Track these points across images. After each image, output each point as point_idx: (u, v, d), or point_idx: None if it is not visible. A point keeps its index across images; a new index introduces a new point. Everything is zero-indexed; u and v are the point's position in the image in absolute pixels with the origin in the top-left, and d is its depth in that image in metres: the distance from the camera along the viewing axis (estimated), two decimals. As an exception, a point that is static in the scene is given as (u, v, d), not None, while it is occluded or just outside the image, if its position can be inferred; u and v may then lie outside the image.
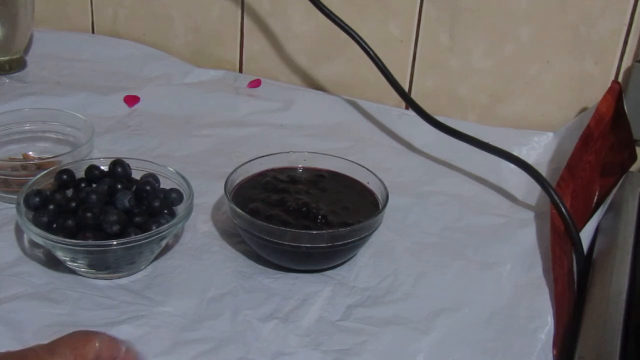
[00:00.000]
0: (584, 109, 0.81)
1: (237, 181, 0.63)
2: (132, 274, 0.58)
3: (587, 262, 0.64)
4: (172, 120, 0.84)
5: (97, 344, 0.42)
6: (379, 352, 0.53)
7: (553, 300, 0.58)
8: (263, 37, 0.94)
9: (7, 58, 0.91)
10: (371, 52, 0.81)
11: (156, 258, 0.60)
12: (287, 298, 0.57)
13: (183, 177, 0.62)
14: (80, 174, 0.63)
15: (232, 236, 0.64)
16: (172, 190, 0.62)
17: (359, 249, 0.62)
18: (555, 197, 0.64)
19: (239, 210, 0.59)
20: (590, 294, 0.58)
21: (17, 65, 0.92)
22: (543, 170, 0.74)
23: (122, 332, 0.52)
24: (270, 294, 0.57)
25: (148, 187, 0.60)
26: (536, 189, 0.69)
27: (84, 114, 0.74)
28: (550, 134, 0.80)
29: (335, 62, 0.91)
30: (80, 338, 0.42)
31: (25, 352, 0.41)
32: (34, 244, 0.60)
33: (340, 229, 0.58)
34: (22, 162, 0.67)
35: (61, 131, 0.73)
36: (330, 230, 0.58)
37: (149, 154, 0.75)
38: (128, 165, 0.63)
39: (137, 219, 0.58)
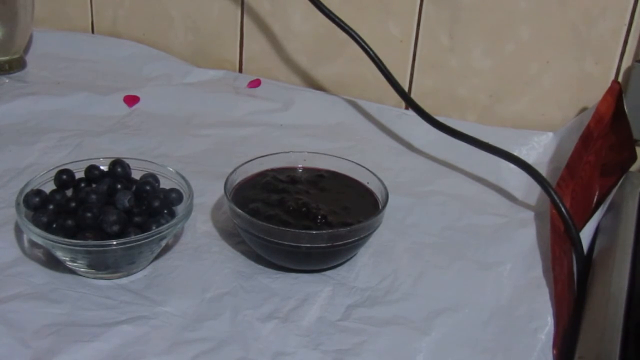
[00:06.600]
0: (584, 109, 0.81)
1: (237, 181, 0.63)
2: (132, 274, 0.58)
3: (587, 262, 0.64)
4: (172, 120, 0.84)
5: None
6: (379, 352, 0.53)
7: (553, 300, 0.58)
8: (263, 37, 0.94)
9: (7, 58, 0.91)
10: (371, 52, 0.81)
11: (156, 258, 0.60)
12: (287, 298, 0.57)
13: (183, 177, 0.62)
14: (80, 173, 0.63)
15: (232, 236, 0.64)
16: (172, 190, 0.61)
17: (359, 249, 0.62)
18: (555, 197, 0.64)
19: (238, 210, 0.59)
20: (590, 294, 0.58)
21: (17, 65, 0.92)
22: (543, 170, 0.74)
23: (122, 332, 0.52)
24: (270, 294, 0.57)
25: (148, 187, 0.60)
26: (536, 189, 0.69)
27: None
28: (550, 134, 0.80)
29: (335, 62, 0.91)
30: None
31: None
32: (33, 244, 0.60)
33: (340, 229, 0.58)
34: None
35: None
36: (330, 230, 0.58)
37: (149, 154, 0.75)
38: (128, 165, 0.63)
39: (136, 219, 0.58)
